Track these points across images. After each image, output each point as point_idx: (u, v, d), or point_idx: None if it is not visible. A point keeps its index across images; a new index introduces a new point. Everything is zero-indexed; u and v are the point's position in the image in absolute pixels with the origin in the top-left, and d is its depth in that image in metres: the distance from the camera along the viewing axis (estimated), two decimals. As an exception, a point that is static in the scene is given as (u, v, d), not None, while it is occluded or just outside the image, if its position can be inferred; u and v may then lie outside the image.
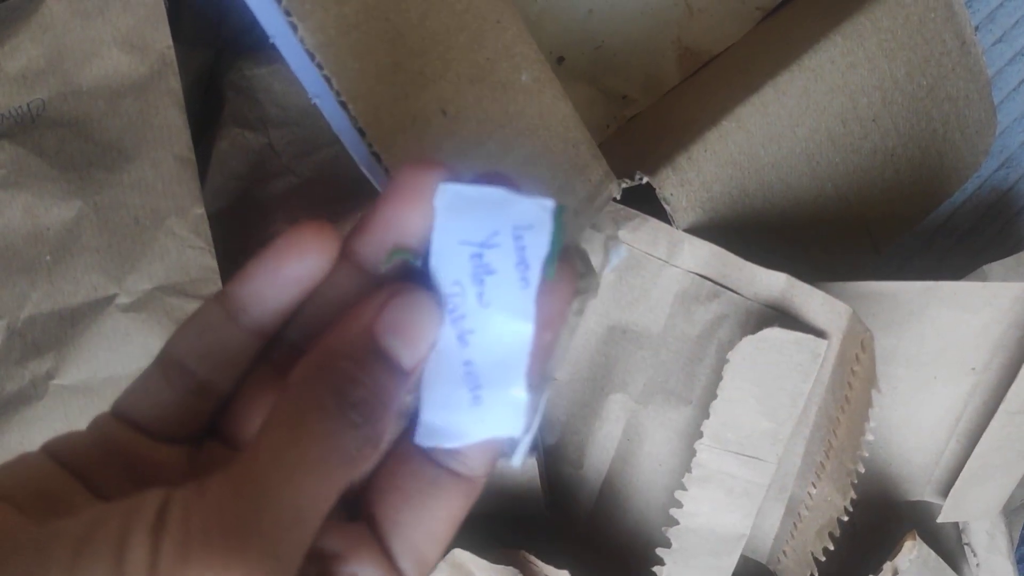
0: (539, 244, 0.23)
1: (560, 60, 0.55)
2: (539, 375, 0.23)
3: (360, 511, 0.24)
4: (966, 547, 0.54)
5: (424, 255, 0.24)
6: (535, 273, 0.23)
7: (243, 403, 0.25)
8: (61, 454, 0.22)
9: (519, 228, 0.23)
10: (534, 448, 0.47)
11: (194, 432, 0.24)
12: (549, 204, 0.23)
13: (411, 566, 0.23)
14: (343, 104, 0.34)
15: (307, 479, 0.20)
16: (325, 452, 0.20)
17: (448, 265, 0.23)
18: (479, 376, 0.23)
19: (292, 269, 0.23)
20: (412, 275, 0.24)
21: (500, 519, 0.47)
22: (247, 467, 0.20)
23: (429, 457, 0.24)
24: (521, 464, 0.24)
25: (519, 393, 0.23)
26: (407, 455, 0.24)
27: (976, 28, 0.64)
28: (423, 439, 0.23)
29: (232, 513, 0.19)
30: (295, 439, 0.20)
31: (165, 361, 0.24)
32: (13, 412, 0.41)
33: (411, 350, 0.22)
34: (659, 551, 0.44)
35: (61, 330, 0.41)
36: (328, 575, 0.23)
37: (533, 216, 0.23)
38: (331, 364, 0.21)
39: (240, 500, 0.19)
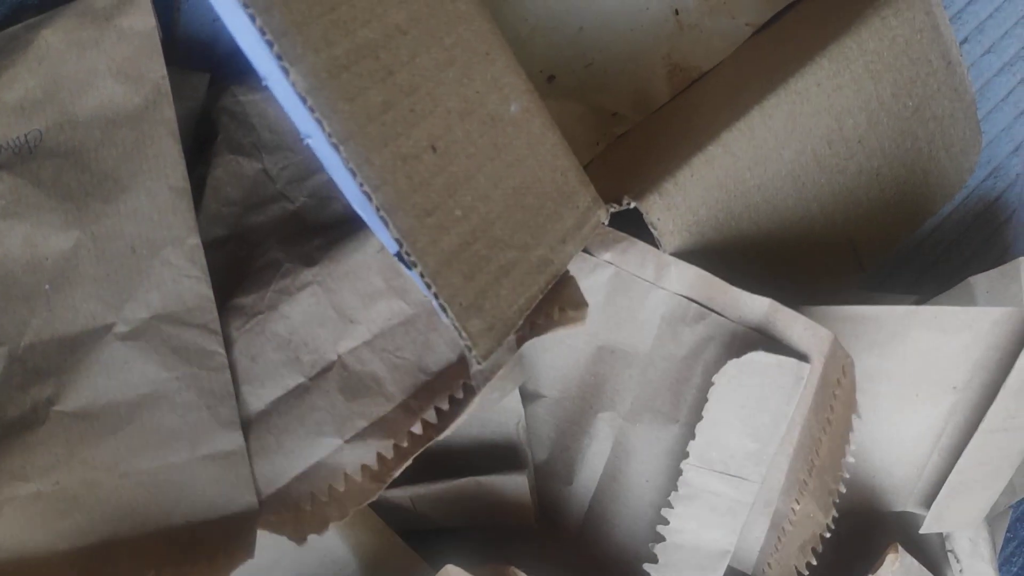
0: None
1: (551, 79, 0.56)
2: None
3: None
4: (949, 554, 0.55)
5: None
6: None
7: None
8: None
9: None
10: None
11: None
12: None
13: None
14: (334, 146, 0.35)
15: None
16: None
17: None
18: None
19: None
20: None
21: (490, 534, 0.49)
22: None
23: None
24: None
25: None
26: None
27: (965, 39, 0.64)
28: None
29: None
30: None
31: None
32: (15, 437, 0.42)
33: None
34: (646, 566, 0.46)
35: (61, 357, 0.42)
36: None
37: None
38: None
39: None
